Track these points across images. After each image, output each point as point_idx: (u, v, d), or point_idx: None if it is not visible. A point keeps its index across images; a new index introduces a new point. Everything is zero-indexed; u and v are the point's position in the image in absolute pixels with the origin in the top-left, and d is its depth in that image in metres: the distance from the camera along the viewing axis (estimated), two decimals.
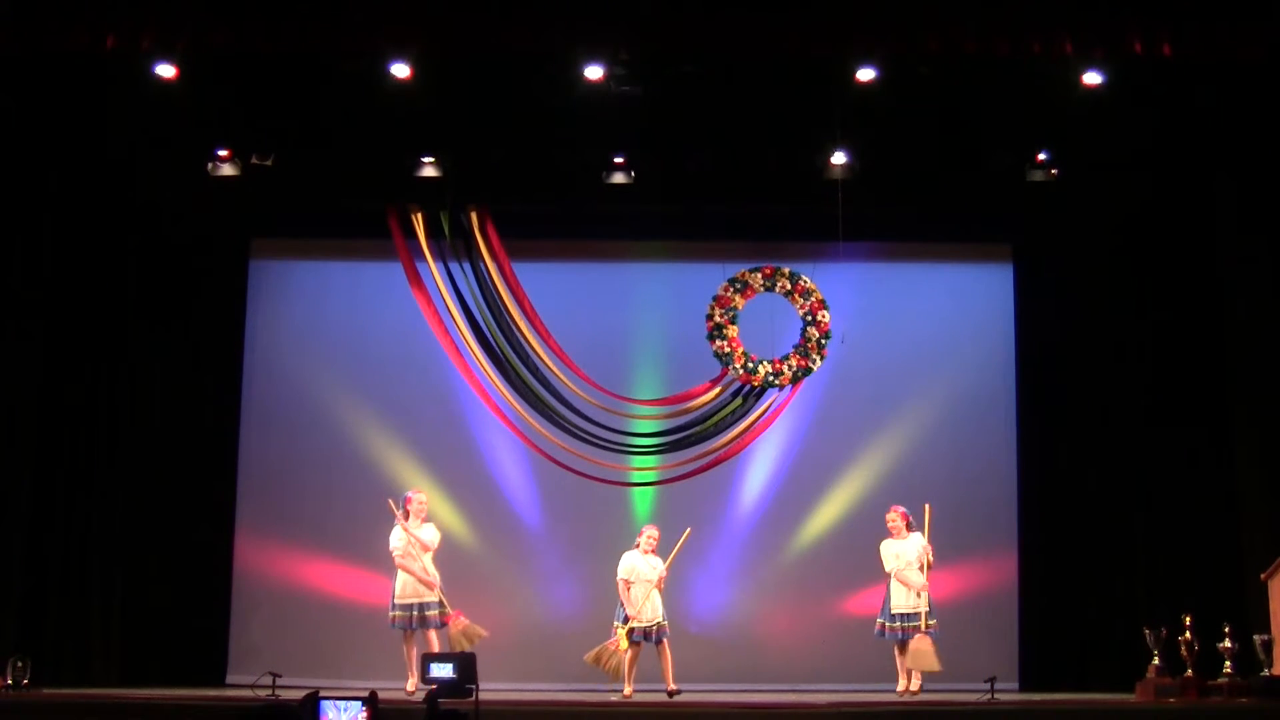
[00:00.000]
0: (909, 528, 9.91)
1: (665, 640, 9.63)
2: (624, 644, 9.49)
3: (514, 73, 9.39)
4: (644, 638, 9.57)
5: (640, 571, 9.64)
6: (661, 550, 9.81)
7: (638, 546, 9.76)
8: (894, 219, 11.29)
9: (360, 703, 4.87)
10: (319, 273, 11.64)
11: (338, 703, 4.87)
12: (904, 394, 11.32)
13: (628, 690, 9.53)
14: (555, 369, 10.79)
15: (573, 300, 11.34)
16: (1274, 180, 10.07)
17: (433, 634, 9.65)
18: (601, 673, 9.58)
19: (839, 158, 10.19)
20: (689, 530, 9.93)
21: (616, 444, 10.81)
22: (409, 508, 9.79)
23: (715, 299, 10.89)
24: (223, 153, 10.30)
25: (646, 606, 9.57)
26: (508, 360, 10.81)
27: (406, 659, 9.63)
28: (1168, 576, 10.48)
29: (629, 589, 9.59)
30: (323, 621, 10.84)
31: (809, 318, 10.88)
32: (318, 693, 5.16)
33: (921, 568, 9.72)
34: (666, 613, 9.71)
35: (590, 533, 10.82)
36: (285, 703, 6.18)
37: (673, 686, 9.55)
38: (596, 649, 9.61)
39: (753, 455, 11.19)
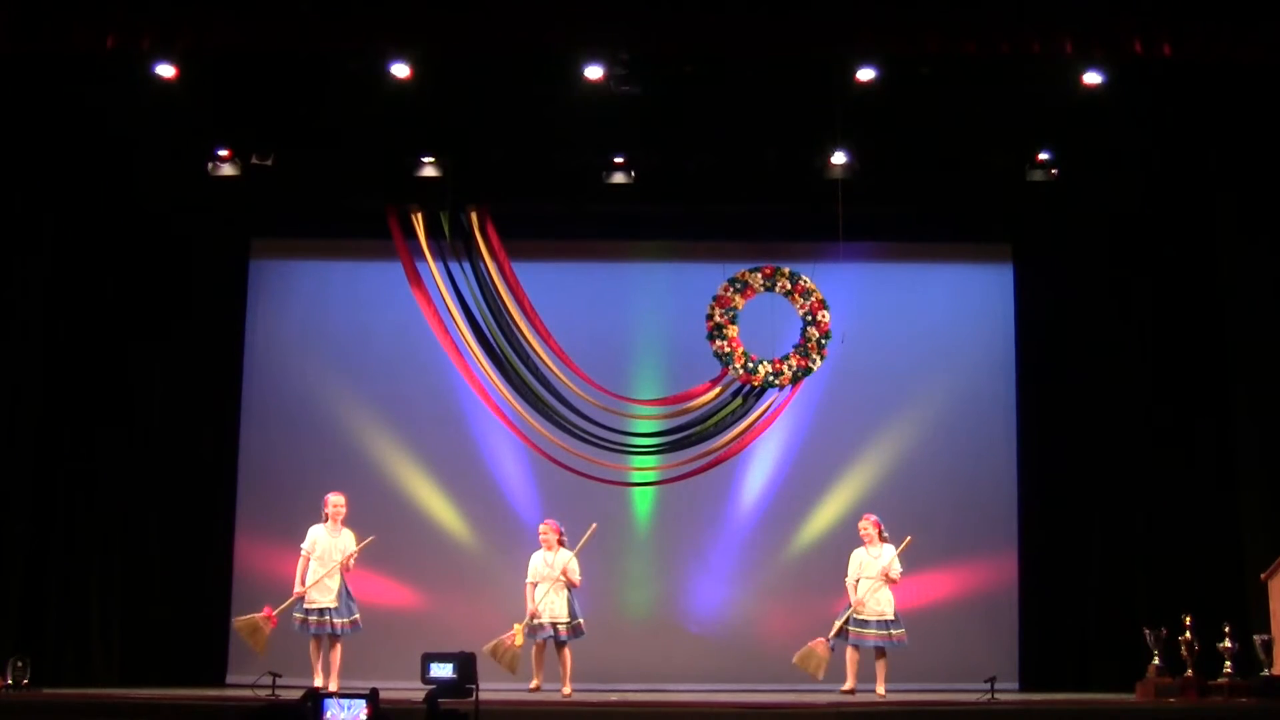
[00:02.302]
0: (880, 538, 9.89)
1: (567, 645, 9.63)
2: (519, 639, 9.52)
3: (514, 73, 9.38)
4: (547, 635, 9.59)
5: (539, 570, 9.70)
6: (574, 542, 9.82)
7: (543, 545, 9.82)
8: (894, 219, 11.30)
9: (363, 700, 4.89)
10: (319, 273, 11.65)
11: (340, 700, 4.91)
12: (904, 394, 11.32)
13: (535, 683, 9.60)
14: (555, 369, 10.79)
15: (573, 300, 11.34)
16: (1274, 179, 10.07)
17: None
18: (500, 667, 9.51)
19: (839, 158, 10.18)
20: (594, 526, 9.92)
21: (616, 444, 10.80)
22: (327, 510, 9.67)
23: (715, 299, 10.88)
24: (223, 153, 10.30)
25: (545, 605, 9.57)
26: (508, 360, 10.81)
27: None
28: (1168, 576, 10.48)
29: (533, 589, 9.64)
30: None
31: (809, 318, 10.88)
32: (318, 690, 5.17)
33: (885, 578, 9.70)
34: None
35: None
36: (286, 702, 6.17)
37: (567, 690, 9.58)
38: (494, 641, 9.58)
39: (753, 455, 11.19)
